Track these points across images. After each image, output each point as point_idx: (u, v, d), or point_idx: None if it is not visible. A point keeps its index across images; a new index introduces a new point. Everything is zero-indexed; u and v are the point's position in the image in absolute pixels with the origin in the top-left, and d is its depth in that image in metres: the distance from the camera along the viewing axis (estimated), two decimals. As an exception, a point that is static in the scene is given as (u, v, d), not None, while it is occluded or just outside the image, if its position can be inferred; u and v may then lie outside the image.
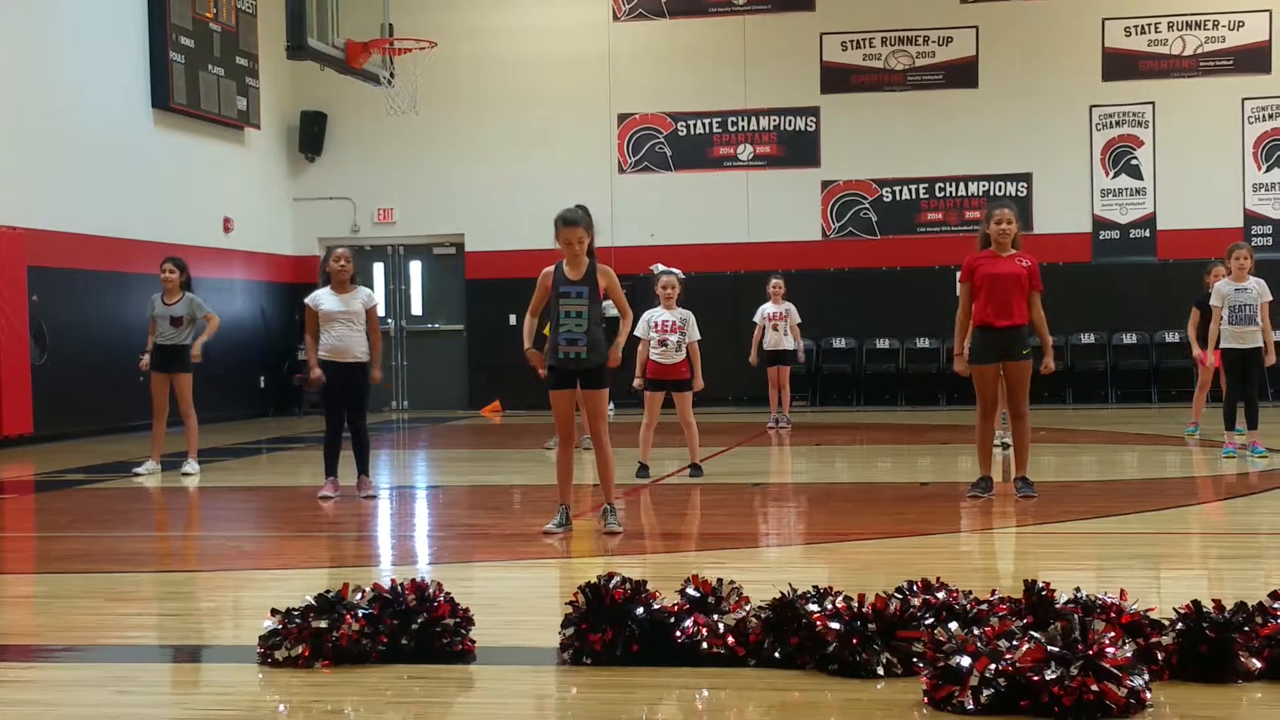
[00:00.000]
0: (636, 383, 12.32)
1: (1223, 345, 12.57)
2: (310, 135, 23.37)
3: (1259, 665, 4.88)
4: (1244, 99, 21.60)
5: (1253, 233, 21.13)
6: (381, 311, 23.08)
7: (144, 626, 6.66)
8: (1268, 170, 21.59)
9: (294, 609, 5.52)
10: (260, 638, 5.50)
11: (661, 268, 12.72)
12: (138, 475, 13.03)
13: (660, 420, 12.41)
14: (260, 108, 21.93)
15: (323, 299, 10.90)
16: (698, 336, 12.36)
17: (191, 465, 13.19)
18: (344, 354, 10.85)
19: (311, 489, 11.20)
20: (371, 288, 22.93)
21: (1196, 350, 13.15)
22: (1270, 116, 21.57)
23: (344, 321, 10.84)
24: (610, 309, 9.10)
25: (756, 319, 17.41)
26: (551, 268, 8.86)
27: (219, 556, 8.93)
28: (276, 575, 7.98)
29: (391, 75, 18.76)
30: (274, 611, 5.55)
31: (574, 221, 8.75)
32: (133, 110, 19.25)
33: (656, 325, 12.20)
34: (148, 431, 13.53)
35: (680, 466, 12.44)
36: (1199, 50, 21.75)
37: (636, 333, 11.99)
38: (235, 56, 21.09)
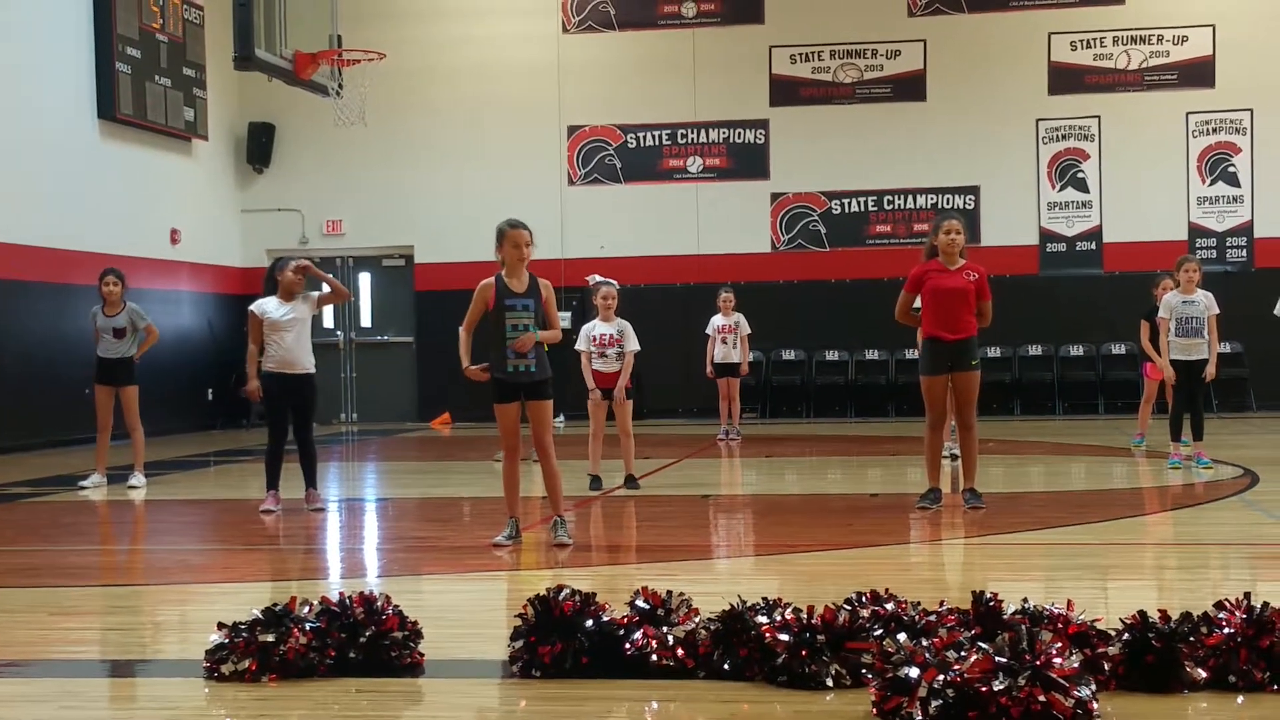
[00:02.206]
0: (593, 395, 12.27)
1: (1170, 357, 12.65)
2: (258, 146, 23.25)
3: (1204, 675, 4.91)
4: (1188, 113, 21.83)
5: (1197, 245, 21.35)
6: (330, 323, 23.17)
7: (89, 641, 6.59)
8: (1211, 184, 21.83)
9: (241, 623, 5.48)
10: (207, 651, 5.45)
11: (599, 278, 12.69)
12: (83, 489, 12.90)
13: (606, 432, 12.40)
14: (208, 119, 21.80)
15: (269, 307, 10.78)
16: (636, 348, 12.32)
17: (138, 478, 13.07)
18: (292, 365, 10.75)
19: (259, 502, 11.11)
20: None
21: (1160, 363, 12.97)
22: (1214, 130, 21.81)
23: (291, 330, 10.73)
24: None
25: (709, 331, 17.45)
26: (491, 280, 8.83)
27: (165, 570, 8.85)
28: (223, 589, 7.91)
29: (340, 86, 18.67)
30: (221, 625, 5.50)
31: (522, 223, 8.77)
32: (78, 121, 19.09)
33: (595, 339, 12.19)
34: (93, 444, 13.40)
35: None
36: (1144, 65, 21.97)
37: (578, 346, 12.08)
38: (182, 67, 20.96)
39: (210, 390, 22.33)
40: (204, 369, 21.98)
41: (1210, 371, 12.56)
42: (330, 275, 11.29)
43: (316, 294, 11.08)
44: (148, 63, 20.01)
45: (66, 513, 11.82)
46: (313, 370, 10.90)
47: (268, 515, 10.70)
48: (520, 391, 8.80)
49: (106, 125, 19.55)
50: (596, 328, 12.24)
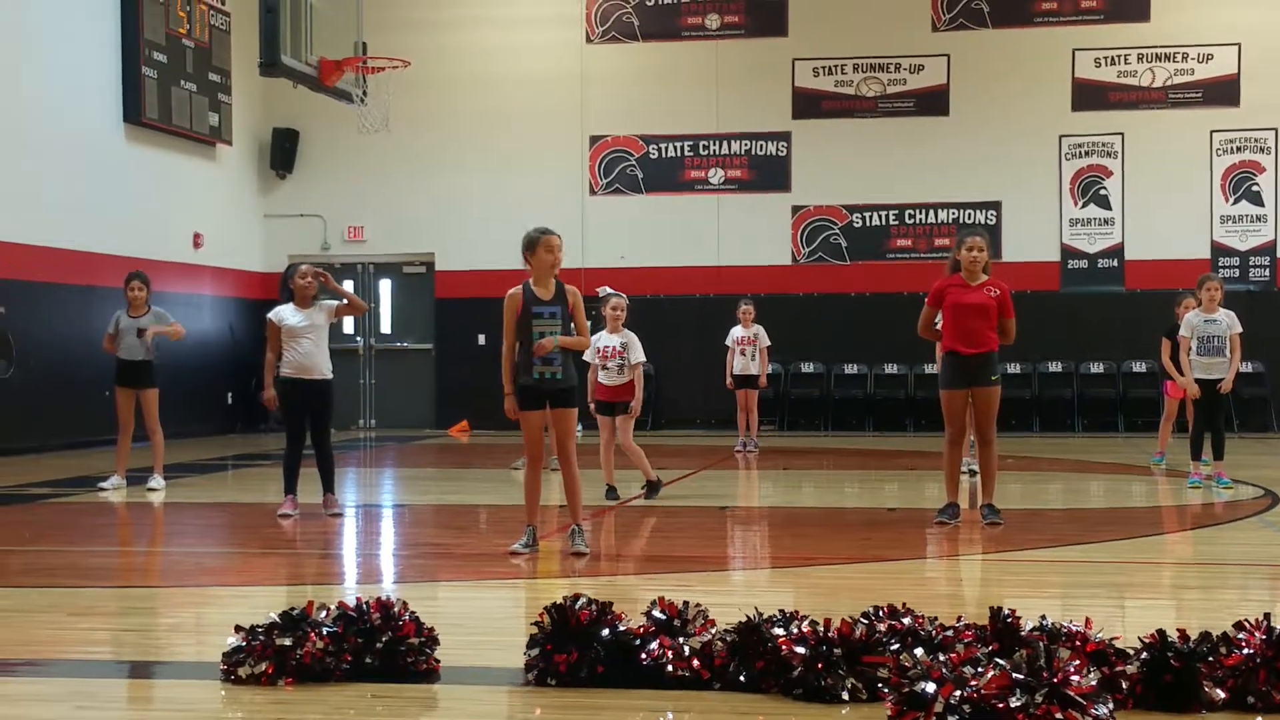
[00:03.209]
0: (592, 406, 12.27)
1: (1192, 376, 12.60)
2: (282, 152, 23.33)
3: (1223, 695, 4.89)
4: (1212, 131, 21.76)
5: (1220, 264, 21.27)
6: (350, 329, 23.21)
7: (105, 642, 6.61)
8: (1235, 203, 21.75)
9: (258, 626, 5.49)
10: (224, 654, 5.47)
11: (609, 289, 12.69)
12: (102, 490, 12.94)
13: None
14: (232, 124, 21.88)
15: (286, 314, 10.84)
16: (641, 359, 12.31)
17: (157, 481, 13.11)
18: (309, 371, 10.80)
19: (277, 506, 11.12)
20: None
21: (1183, 381, 12.90)
22: (1238, 149, 21.74)
23: (309, 337, 10.79)
24: None
25: (728, 342, 17.44)
26: (518, 289, 8.83)
27: (183, 572, 8.87)
28: (241, 592, 7.93)
29: (364, 94, 18.72)
30: (238, 628, 5.52)
31: (553, 230, 8.79)
32: (104, 124, 19.19)
33: (599, 351, 12.17)
34: (113, 446, 13.44)
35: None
36: (1168, 82, 21.92)
37: (585, 357, 11.97)
38: (208, 72, 21.05)
39: (230, 394, 22.40)
40: (224, 373, 22.05)
41: (1225, 385, 12.48)
42: (348, 288, 11.26)
43: (334, 303, 11.09)
44: (174, 67, 20.10)
45: (86, 514, 11.86)
46: (330, 377, 10.95)
47: (285, 519, 10.73)
48: (545, 399, 8.80)
49: (132, 129, 19.64)
50: (602, 339, 12.21)
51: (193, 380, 19.94)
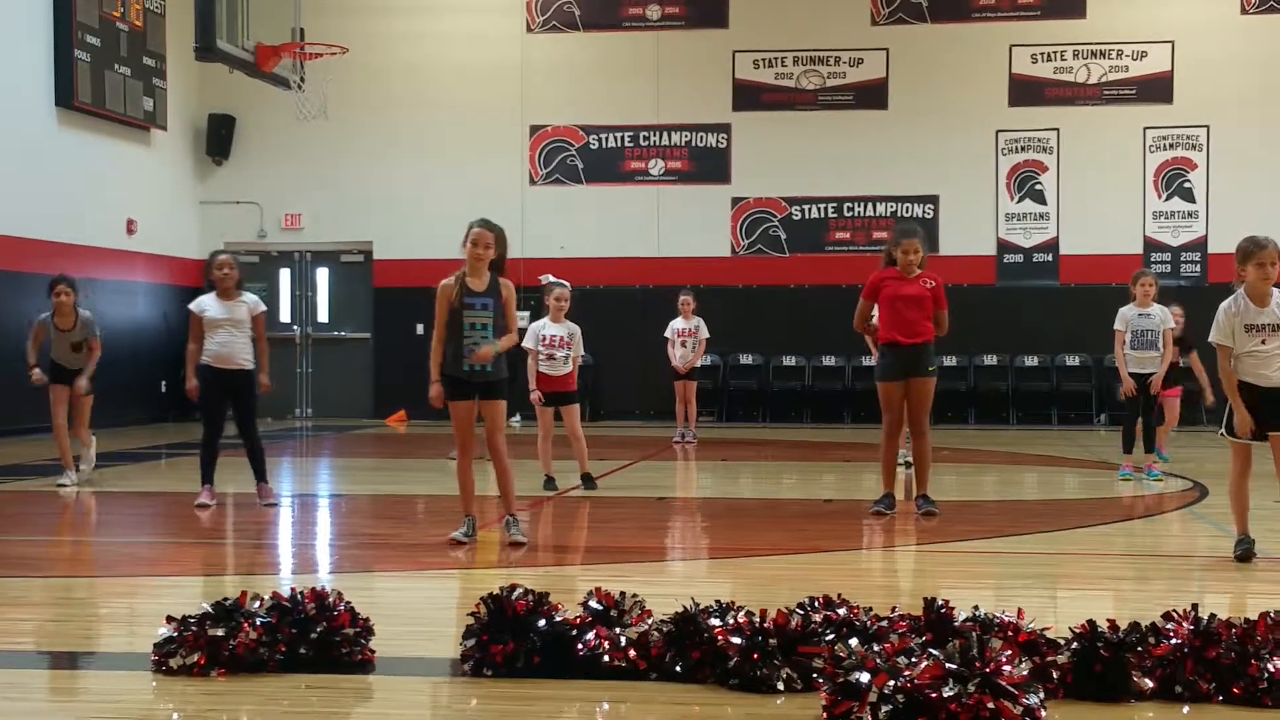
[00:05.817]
0: (534, 395, 12.19)
1: (1128, 369, 12.73)
2: (218, 138, 23.11)
3: (1151, 685, 4.96)
4: (1145, 128, 21.98)
5: (1152, 259, 21.49)
6: (287, 318, 23.04)
7: (34, 632, 6.52)
8: (1167, 199, 21.99)
9: (190, 616, 5.44)
10: (155, 645, 5.42)
11: (552, 278, 12.65)
12: (63, 488, 12.48)
13: (555, 433, 12.38)
14: (167, 109, 21.64)
15: (207, 305, 10.81)
16: (582, 352, 12.34)
17: (71, 476, 12.60)
18: (228, 360, 10.72)
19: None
20: (278, 294, 22.83)
21: (1121, 373, 12.92)
22: (1170, 146, 21.97)
23: (228, 328, 10.72)
24: None
25: (667, 333, 17.47)
26: (451, 279, 8.83)
27: (114, 562, 8.79)
28: (173, 582, 7.86)
29: (302, 80, 18.59)
30: (170, 618, 5.47)
31: (489, 224, 8.79)
32: (35, 108, 18.91)
33: (545, 340, 12.11)
34: (38, 436, 13.12)
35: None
36: (1103, 79, 22.12)
37: (525, 344, 11.88)
38: (142, 56, 20.80)
39: (164, 382, 22.15)
40: (158, 361, 21.77)
41: (1155, 383, 12.64)
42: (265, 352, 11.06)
43: (257, 302, 10.97)
44: (107, 51, 19.86)
45: (13, 503, 11.72)
46: (249, 367, 10.83)
47: (203, 510, 10.64)
48: (475, 390, 8.81)
49: (64, 113, 19.37)
50: (547, 328, 12.16)
51: (126, 369, 19.70)
